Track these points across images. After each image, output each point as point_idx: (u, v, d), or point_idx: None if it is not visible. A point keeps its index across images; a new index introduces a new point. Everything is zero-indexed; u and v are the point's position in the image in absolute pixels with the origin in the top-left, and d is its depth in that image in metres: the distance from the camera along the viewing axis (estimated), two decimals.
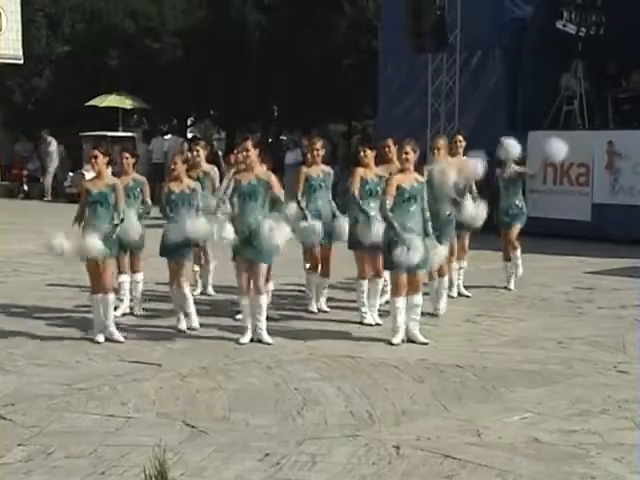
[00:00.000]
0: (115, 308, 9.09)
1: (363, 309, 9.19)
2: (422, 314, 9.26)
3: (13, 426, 5.97)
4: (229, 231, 8.26)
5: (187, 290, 8.83)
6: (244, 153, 8.34)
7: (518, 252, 11.17)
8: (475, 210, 10.15)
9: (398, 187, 8.17)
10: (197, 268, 10.58)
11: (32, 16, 28.21)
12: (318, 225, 9.31)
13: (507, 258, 11.21)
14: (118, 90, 27.76)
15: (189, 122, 33.94)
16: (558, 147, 11.07)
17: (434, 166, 9.45)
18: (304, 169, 9.70)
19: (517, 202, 11.18)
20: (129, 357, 7.81)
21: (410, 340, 8.32)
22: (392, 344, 8.21)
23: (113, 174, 8.91)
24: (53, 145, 25.95)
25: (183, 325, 8.79)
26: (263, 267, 8.32)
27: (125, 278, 9.57)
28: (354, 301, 9.48)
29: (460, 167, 9.75)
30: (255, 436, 5.77)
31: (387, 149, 9.60)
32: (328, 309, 9.78)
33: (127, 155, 9.59)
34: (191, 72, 27.28)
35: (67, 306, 9.94)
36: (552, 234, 15.45)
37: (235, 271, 8.46)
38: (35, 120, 28.00)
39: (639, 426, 5.97)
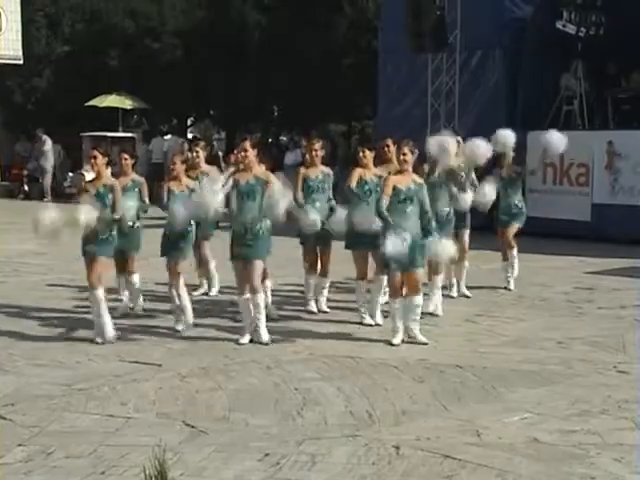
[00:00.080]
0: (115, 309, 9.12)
1: (362, 309, 9.19)
2: (422, 314, 9.30)
3: (13, 426, 5.97)
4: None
5: (183, 290, 8.83)
6: (242, 153, 8.35)
7: (514, 251, 11.16)
8: (483, 193, 10.21)
9: (394, 188, 8.17)
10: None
11: (32, 16, 28.22)
12: (317, 216, 9.26)
13: (506, 258, 11.21)
14: (118, 90, 27.77)
15: (189, 122, 33.95)
16: (557, 139, 11.04)
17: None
18: (302, 170, 9.69)
19: (517, 202, 11.17)
20: (129, 357, 7.81)
21: (410, 340, 8.31)
22: (392, 344, 8.22)
23: (112, 175, 8.91)
24: (48, 144, 25.90)
25: (180, 325, 8.79)
26: (258, 265, 8.30)
27: (123, 279, 9.57)
28: (354, 301, 9.48)
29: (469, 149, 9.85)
30: (255, 436, 5.77)
31: (386, 149, 9.60)
32: (328, 309, 9.77)
33: (126, 156, 9.59)
34: (191, 72, 27.30)
35: (67, 306, 9.94)
36: (552, 234, 15.46)
37: (234, 271, 8.48)
38: (35, 120, 27.99)
39: (639, 426, 5.97)
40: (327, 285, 9.87)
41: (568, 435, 5.79)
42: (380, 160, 9.47)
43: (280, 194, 8.13)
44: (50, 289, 10.99)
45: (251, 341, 8.28)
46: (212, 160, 14.33)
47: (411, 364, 7.59)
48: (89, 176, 9.17)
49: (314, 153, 9.67)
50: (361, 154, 9.23)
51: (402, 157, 8.30)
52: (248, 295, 8.29)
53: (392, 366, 7.51)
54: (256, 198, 8.26)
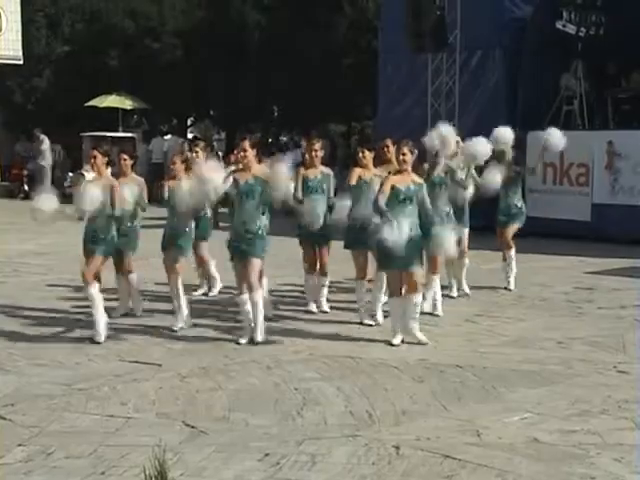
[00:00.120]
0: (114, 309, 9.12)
1: (363, 309, 9.19)
2: (422, 314, 9.30)
3: (13, 426, 5.97)
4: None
5: (179, 289, 8.85)
6: (242, 153, 8.36)
7: (512, 252, 11.12)
8: (489, 178, 10.25)
9: (393, 187, 8.17)
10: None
11: (32, 16, 28.23)
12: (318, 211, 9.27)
13: (505, 258, 11.20)
14: (118, 90, 27.78)
15: (189, 122, 33.96)
16: (557, 137, 11.03)
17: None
18: (302, 170, 9.69)
19: (516, 202, 11.16)
20: (129, 357, 7.81)
21: (410, 340, 8.30)
22: (392, 344, 8.21)
23: (112, 175, 8.91)
24: (46, 143, 25.86)
25: (177, 325, 8.80)
26: (255, 262, 8.29)
27: (122, 279, 9.57)
28: (354, 301, 9.48)
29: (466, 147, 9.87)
30: (255, 436, 5.77)
31: (386, 149, 9.60)
32: (328, 309, 9.77)
33: (125, 157, 9.59)
34: (191, 72, 27.30)
35: (67, 306, 9.93)
36: (552, 234, 15.46)
37: (233, 271, 8.50)
38: (35, 120, 28.00)
39: (639, 426, 5.97)
40: (326, 284, 9.87)
41: (568, 435, 5.79)
42: (380, 160, 9.48)
43: (284, 177, 8.15)
44: (50, 289, 10.99)
45: (251, 341, 8.28)
46: None
47: (411, 364, 7.59)
48: (89, 176, 9.17)
49: (314, 153, 9.68)
50: (361, 154, 9.24)
51: (401, 157, 8.31)
52: (247, 295, 8.30)
53: (392, 366, 7.51)
54: (255, 197, 8.27)
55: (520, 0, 17.71)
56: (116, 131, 27.45)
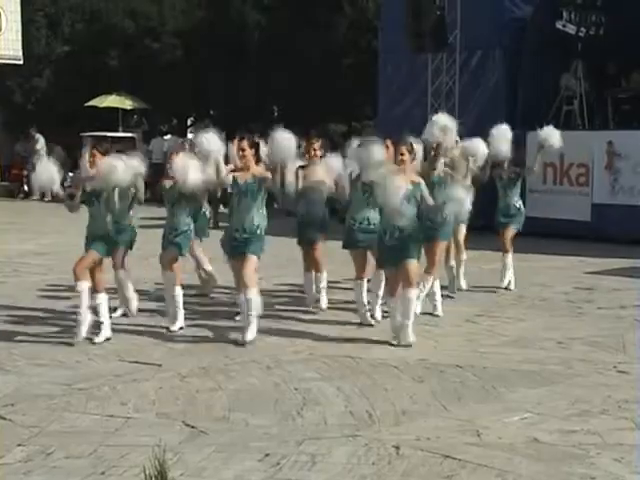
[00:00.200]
0: (115, 309, 9.10)
1: (362, 309, 9.18)
2: (422, 314, 9.31)
3: (13, 426, 5.97)
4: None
5: (170, 285, 8.86)
6: (240, 153, 8.37)
7: (508, 258, 11.04)
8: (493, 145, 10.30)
9: None
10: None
11: (32, 16, 28.25)
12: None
13: (506, 251, 11.15)
14: (118, 90, 27.80)
15: (189, 122, 33.97)
16: (554, 135, 11.02)
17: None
18: (300, 171, 9.70)
19: (515, 203, 11.13)
20: (129, 357, 7.81)
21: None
22: (392, 344, 8.21)
23: None
24: (41, 143, 25.86)
25: (176, 325, 8.81)
26: (251, 260, 8.28)
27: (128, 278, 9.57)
28: (354, 301, 9.47)
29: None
30: (255, 436, 5.77)
31: (385, 149, 9.59)
32: (324, 307, 9.71)
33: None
34: (191, 72, 27.32)
35: (67, 306, 9.91)
36: (552, 234, 15.46)
37: (232, 271, 8.51)
38: (35, 120, 28.02)
39: (639, 426, 5.97)
40: (324, 281, 9.80)
41: (568, 435, 5.79)
42: None
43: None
44: (50, 289, 10.98)
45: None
46: None
47: (411, 364, 7.58)
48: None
49: (313, 152, 9.69)
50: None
51: (399, 157, 8.31)
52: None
53: (392, 366, 7.51)
54: (254, 197, 8.28)
55: (520, 0, 17.72)
56: (116, 131, 27.47)
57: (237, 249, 8.32)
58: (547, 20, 16.91)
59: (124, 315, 9.36)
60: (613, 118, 16.88)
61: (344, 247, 9.26)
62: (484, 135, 10.40)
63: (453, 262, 10.64)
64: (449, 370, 7.39)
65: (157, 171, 9.20)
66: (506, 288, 11.11)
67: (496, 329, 9.02)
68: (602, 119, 17.05)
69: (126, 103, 28.14)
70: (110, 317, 8.54)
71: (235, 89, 26.74)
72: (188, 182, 8.44)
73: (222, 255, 9.78)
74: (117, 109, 28.03)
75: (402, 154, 8.28)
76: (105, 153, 8.51)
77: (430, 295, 9.55)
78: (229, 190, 8.44)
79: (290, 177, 8.91)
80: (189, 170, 8.41)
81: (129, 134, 27.64)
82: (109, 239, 8.40)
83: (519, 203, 11.21)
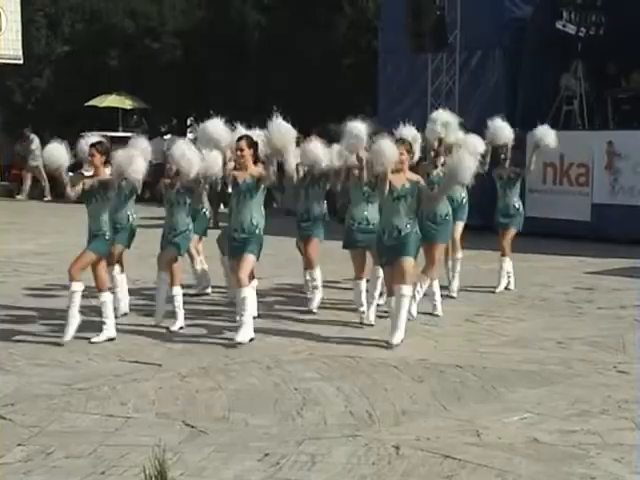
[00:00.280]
0: (115, 309, 9.11)
1: (361, 309, 9.18)
2: (422, 314, 9.31)
3: (13, 426, 5.97)
4: None
5: (164, 285, 8.87)
6: (239, 152, 8.38)
7: (506, 262, 10.98)
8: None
9: (390, 185, 8.19)
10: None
11: (32, 16, 28.24)
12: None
13: (504, 254, 11.13)
14: (118, 90, 27.78)
15: (189, 122, 33.96)
16: (549, 134, 11.01)
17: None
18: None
19: (514, 203, 11.10)
20: (129, 357, 7.81)
21: (410, 340, 8.29)
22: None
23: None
24: (35, 143, 25.82)
25: (176, 325, 8.81)
26: (248, 259, 8.28)
27: (122, 277, 9.57)
28: (353, 301, 9.48)
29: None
30: (255, 436, 5.77)
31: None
32: (314, 309, 9.67)
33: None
34: (191, 72, 27.31)
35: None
36: (552, 234, 15.46)
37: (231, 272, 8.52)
38: (35, 120, 28.00)
39: (639, 426, 5.97)
40: (316, 280, 9.70)
41: (568, 435, 5.79)
42: None
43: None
44: (50, 289, 10.98)
45: (251, 340, 8.28)
46: None
47: (411, 364, 7.58)
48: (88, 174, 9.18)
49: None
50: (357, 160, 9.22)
51: (398, 157, 8.30)
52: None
53: (392, 366, 7.51)
54: (253, 196, 8.30)
55: (520, 0, 17.71)
56: (116, 131, 27.45)
57: (236, 249, 8.33)
58: (547, 20, 16.91)
59: (124, 315, 9.37)
60: (613, 118, 16.88)
61: (344, 247, 9.26)
62: (484, 135, 10.40)
63: (458, 255, 10.62)
64: (449, 370, 7.39)
65: (157, 171, 9.19)
66: (506, 288, 11.10)
67: (496, 329, 9.02)
68: (602, 119, 17.04)
69: (126, 103, 28.13)
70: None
71: (235, 89, 26.72)
72: (191, 168, 8.49)
73: (219, 254, 9.79)
74: (117, 109, 28.03)
75: (401, 154, 8.27)
76: (105, 153, 8.52)
77: (430, 295, 9.55)
78: (229, 190, 8.45)
79: (291, 159, 8.93)
80: (191, 157, 8.47)
81: (129, 134, 27.63)
82: (107, 239, 8.39)
83: (518, 203, 11.18)
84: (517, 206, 11.15)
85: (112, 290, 9.01)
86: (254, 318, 8.64)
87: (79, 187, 8.33)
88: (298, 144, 9.25)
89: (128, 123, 30.29)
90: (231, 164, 8.53)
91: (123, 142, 9.34)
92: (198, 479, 5.10)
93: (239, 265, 8.27)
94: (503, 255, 11.03)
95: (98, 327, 8.39)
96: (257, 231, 8.29)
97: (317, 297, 9.71)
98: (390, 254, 8.18)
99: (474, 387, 6.94)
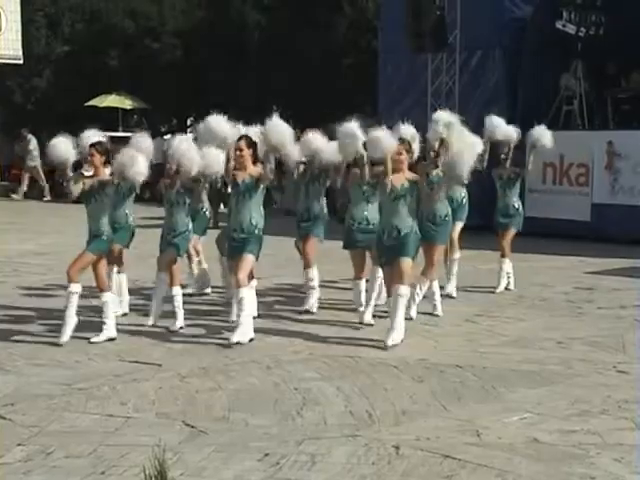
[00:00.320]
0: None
1: (361, 309, 9.18)
2: (422, 314, 9.31)
3: (13, 426, 5.97)
4: None
5: (162, 285, 8.86)
6: (238, 152, 8.38)
7: (506, 263, 10.97)
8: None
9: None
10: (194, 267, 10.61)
11: (32, 16, 28.24)
12: None
13: (503, 256, 11.12)
14: (118, 90, 27.77)
15: (189, 122, 33.96)
16: (545, 134, 11.00)
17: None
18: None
19: (514, 203, 11.09)
20: (129, 357, 7.81)
21: (410, 340, 8.29)
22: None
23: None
24: (33, 143, 25.80)
25: (176, 325, 8.81)
26: (247, 259, 8.28)
27: (123, 278, 9.57)
28: (353, 301, 9.48)
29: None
30: (255, 436, 5.77)
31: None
32: (310, 308, 9.63)
33: None
34: (191, 72, 27.30)
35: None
36: (552, 234, 15.45)
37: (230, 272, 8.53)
38: (35, 120, 27.99)
39: (639, 426, 5.97)
40: (312, 280, 9.68)
41: (568, 435, 5.79)
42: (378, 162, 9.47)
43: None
44: (50, 289, 10.98)
45: (250, 340, 8.28)
46: None
47: (411, 364, 7.58)
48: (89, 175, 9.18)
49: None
50: (357, 157, 9.22)
51: (397, 157, 8.31)
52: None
53: (392, 366, 7.51)
54: (252, 196, 8.30)
55: (520, 0, 17.70)
56: (116, 131, 27.44)
57: (236, 250, 8.33)
58: (547, 20, 16.90)
59: (124, 315, 9.37)
60: (613, 118, 16.87)
61: (344, 247, 9.27)
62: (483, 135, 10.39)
63: (455, 255, 10.60)
64: (449, 370, 7.39)
65: (157, 171, 9.19)
66: (506, 288, 11.10)
67: (496, 329, 9.02)
68: (602, 119, 17.04)
69: (126, 103, 28.12)
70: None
71: (235, 89, 26.71)
72: (192, 165, 8.50)
73: (217, 254, 9.78)
74: (117, 109, 28.02)
75: (399, 154, 8.27)
76: (104, 153, 8.53)
77: (429, 295, 9.54)
78: (229, 190, 8.46)
79: (290, 154, 8.94)
80: (191, 154, 8.49)
81: (129, 134, 27.62)
82: (106, 240, 8.38)
83: (518, 203, 11.17)
84: (517, 206, 11.14)
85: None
86: (254, 318, 8.65)
87: (80, 185, 8.34)
88: (298, 139, 9.25)
89: (128, 123, 30.28)
90: (232, 163, 8.54)
91: (123, 142, 9.31)
92: (198, 479, 5.10)
93: (238, 265, 8.27)
94: (503, 256, 11.02)
95: (98, 327, 8.39)
96: (256, 231, 8.29)
97: (313, 297, 9.70)
98: (389, 254, 8.19)
99: (474, 387, 6.94)
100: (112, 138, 9.51)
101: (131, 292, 9.82)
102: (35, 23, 28.94)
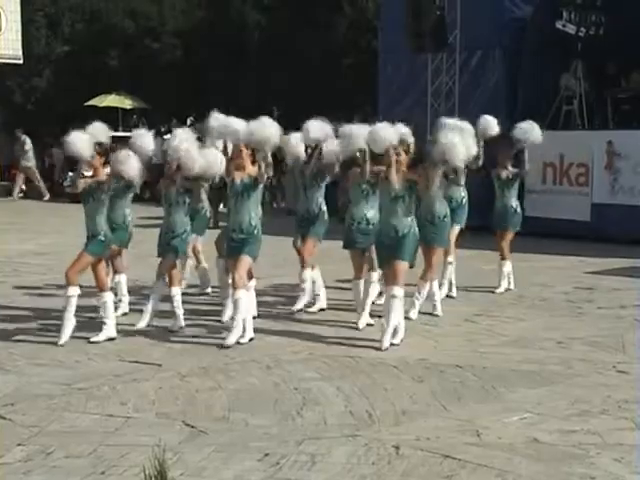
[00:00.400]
0: (115, 309, 9.10)
1: (361, 309, 9.17)
2: (422, 314, 9.31)
3: (13, 426, 5.97)
4: None
5: (159, 286, 8.86)
6: (236, 152, 8.39)
7: (507, 265, 10.94)
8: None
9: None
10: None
11: (32, 16, 28.24)
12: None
13: (504, 257, 11.13)
14: (118, 90, 27.78)
15: (189, 122, 33.97)
16: (533, 127, 10.99)
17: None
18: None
19: (512, 203, 11.06)
20: (129, 357, 7.81)
21: (410, 340, 8.29)
22: (392, 344, 8.20)
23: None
24: (28, 144, 25.76)
25: (176, 325, 8.81)
26: (244, 260, 8.28)
27: (122, 278, 9.57)
28: (353, 301, 9.47)
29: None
30: (255, 436, 5.77)
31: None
32: (302, 308, 9.61)
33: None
34: (191, 72, 27.30)
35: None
36: (552, 234, 15.45)
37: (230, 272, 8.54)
38: (35, 120, 27.99)
39: (639, 426, 5.97)
40: (306, 282, 9.62)
41: (568, 435, 5.79)
42: (377, 161, 9.46)
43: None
44: (50, 289, 10.98)
45: (250, 340, 8.28)
46: None
47: (411, 364, 7.58)
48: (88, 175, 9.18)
49: (309, 150, 9.74)
50: (358, 154, 9.22)
51: (396, 157, 8.30)
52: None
53: (392, 366, 7.51)
54: (250, 196, 8.31)
55: (520, 0, 17.70)
56: (116, 131, 27.45)
57: (234, 250, 8.33)
58: (547, 20, 16.90)
59: (124, 315, 9.37)
60: (613, 118, 16.87)
61: (344, 247, 9.26)
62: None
63: (450, 258, 10.58)
64: (449, 370, 7.39)
65: (157, 171, 9.20)
66: (506, 289, 11.09)
67: (496, 329, 9.02)
68: (602, 119, 17.03)
69: (126, 103, 28.13)
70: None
71: (235, 89, 26.71)
72: (193, 162, 8.51)
73: (215, 255, 9.77)
74: (117, 109, 28.02)
75: (398, 154, 8.27)
76: (104, 153, 8.53)
77: (429, 295, 9.54)
78: (228, 190, 8.46)
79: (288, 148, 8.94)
80: (192, 151, 8.50)
81: (129, 134, 27.63)
82: (105, 240, 8.38)
83: (516, 204, 11.14)
84: (515, 207, 11.11)
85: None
86: (254, 318, 8.64)
87: (82, 182, 8.36)
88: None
89: (128, 123, 30.28)
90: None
91: (123, 142, 9.32)
92: (198, 479, 5.10)
93: (236, 265, 8.27)
94: (503, 259, 11.00)
95: (98, 327, 8.39)
96: (255, 231, 8.29)
97: (303, 299, 9.64)
98: (386, 253, 8.19)
99: (474, 387, 6.94)
100: (112, 138, 9.46)
101: (131, 292, 9.82)
102: (35, 23, 28.94)
